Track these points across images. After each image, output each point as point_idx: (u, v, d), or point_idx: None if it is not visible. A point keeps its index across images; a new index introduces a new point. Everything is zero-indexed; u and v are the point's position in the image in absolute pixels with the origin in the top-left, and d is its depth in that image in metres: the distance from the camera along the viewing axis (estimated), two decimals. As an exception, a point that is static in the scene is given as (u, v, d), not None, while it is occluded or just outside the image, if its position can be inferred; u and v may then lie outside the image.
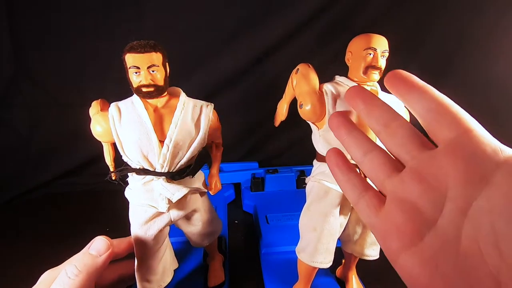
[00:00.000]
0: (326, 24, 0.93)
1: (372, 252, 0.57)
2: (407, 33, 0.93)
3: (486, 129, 0.19)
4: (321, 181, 0.52)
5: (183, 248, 0.69)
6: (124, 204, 0.52)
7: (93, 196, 1.03)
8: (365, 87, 0.49)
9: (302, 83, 0.51)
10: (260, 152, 1.14)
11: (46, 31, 0.95)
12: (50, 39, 0.95)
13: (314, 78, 0.51)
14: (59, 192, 1.07)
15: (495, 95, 0.93)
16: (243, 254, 0.75)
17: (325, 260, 0.53)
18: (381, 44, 0.49)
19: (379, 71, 0.49)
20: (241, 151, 1.13)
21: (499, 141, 0.18)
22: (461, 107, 0.20)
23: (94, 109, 0.47)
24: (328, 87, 0.51)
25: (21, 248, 0.78)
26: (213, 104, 0.51)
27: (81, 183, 1.09)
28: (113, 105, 0.47)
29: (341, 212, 0.54)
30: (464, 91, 0.98)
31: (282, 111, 0.59)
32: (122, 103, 0.48)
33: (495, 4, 0.88)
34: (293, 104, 0.56)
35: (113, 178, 0.49)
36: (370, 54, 0.49)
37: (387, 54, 0.50)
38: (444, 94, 0.21)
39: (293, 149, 1.13)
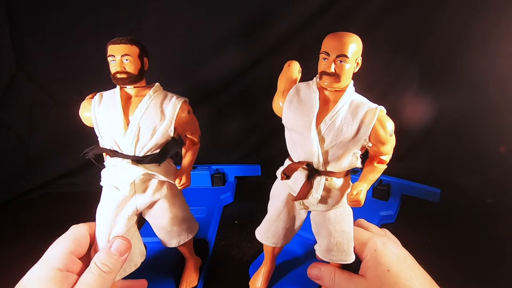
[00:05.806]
0: (326, 24, 0.93)
1: (327, 256, 0.54)
2: (407, 33, 0.93)
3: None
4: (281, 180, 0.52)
5: (162, 249, 0.66)
6: (123, 204, 0.52)
7: (93, 196, 1.02)
8: (330, 89, 0.46)
9: (279, 79, 0.52)
10: (260, 152, 1.14)
11: (46, 30, 0.95)
12: (50, 39, 0.95)
13: (289, 77, 0.51)
14: (58, 192, 1.07)
15: (495, 95, 0.93)
16: (229, 260, 0.72)
17: (271, 241, 0.57)
18: (335, 48, 0.44)
19: (334, 77, 0.44)
20: (241, 151, 1.13)
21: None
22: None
23: (85, 99, 0.53)
24: (294, 87, 0.50)
25: (21, 248, 0.78)
26: (186, 98, 0.54)
27: (81, 183, 1.09)
28: (98, 93, 0.52)
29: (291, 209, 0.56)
30: (464, 91, 0.98)
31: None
32: (106, 92, 0.52)
33: (495, 4, 0.87)
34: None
35: (88, 156, 0.52)
36: (324, 58, 0.45)
37: (349, 61, 0.44)
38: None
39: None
